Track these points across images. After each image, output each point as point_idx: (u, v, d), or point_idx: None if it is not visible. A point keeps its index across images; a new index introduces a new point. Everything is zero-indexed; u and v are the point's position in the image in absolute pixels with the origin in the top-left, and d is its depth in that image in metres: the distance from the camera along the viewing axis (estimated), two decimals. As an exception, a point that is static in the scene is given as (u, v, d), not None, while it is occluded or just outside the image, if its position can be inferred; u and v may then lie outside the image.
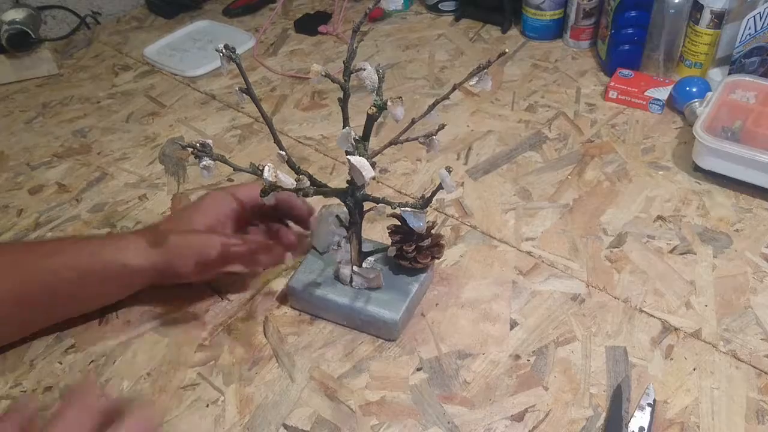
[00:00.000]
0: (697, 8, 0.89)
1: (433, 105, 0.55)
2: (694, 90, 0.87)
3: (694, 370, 0.58)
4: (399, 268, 0.64)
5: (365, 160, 0.51)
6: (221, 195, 0.65)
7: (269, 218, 0.68)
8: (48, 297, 0.60)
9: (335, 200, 0.59)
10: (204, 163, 0.52)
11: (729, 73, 0.89)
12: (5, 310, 0.58)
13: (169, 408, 0.57)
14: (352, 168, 0.51)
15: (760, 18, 0.85)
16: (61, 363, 0.61)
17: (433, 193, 0.55)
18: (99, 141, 0.91)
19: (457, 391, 0.58)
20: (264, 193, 0.54)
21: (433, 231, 0.64)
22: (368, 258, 0.65)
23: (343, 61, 0.53)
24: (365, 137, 0.56)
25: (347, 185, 0.57)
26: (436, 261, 0.66)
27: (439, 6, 1.18)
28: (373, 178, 0.53)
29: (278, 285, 0.68)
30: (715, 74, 0.93)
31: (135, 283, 0.63)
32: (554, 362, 0.59)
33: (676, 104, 0.90)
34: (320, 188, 0.57)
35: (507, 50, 0.53)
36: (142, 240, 0.61)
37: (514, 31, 1.13)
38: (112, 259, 0.60)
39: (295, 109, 0.96)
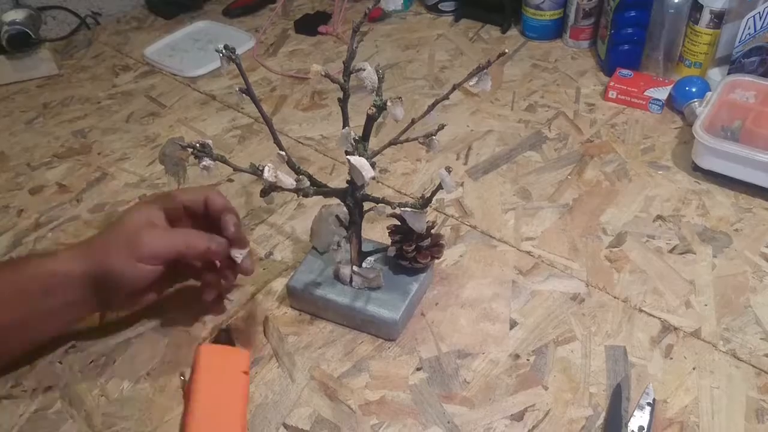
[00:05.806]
0: (697, 8, 0.89)
1: (433, 105, 0.55)
2: (694, 90, 0.87)
3: (694, 369, 0.59)
4: (399, 268, 0.64)
5: (365, 160, 0.51)
6: (153, 197, 0.60)
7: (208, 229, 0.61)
8: None
9: (335, 200, 0.59)
10: (204, 163, 0.52)
11: (728, 73, 0.89)
12: None
13: (169, 408, 0.57)
14: (352, 168, 0.51)
15: (760, 18, 0.85)
16: (61, 363, 0.61)
17: (433, 193, 0.55)
18: (99, 141, 0.92)
19: (456, 391, 0.58)
20: (264, 193, 0.54)
21: (433, 231, 0.64)
22: (368, 258, 0.65)
23: (343, 62, 0.53)
24: (365, 137, 0.56)
25: (347, 185, 0.58)
26: (436, 261, 0.66)
27: (439, 6, 1.18)
28: (373, 178, 0.53)
29: (278, 285, 0.68)
30: (715, 74, 0.93)
31: (71, 298, 0.56)
32: (554, 362, 0.60)
33: (675, 104, 0.90)
34: (320, 188, 0.57)
35: (507, 50, 0.53)
36: (71, 248, 0.57)
37: (513, 31, 1.13)
38: (36, 270, 0.55)
39: (295, 110, 0.96)
